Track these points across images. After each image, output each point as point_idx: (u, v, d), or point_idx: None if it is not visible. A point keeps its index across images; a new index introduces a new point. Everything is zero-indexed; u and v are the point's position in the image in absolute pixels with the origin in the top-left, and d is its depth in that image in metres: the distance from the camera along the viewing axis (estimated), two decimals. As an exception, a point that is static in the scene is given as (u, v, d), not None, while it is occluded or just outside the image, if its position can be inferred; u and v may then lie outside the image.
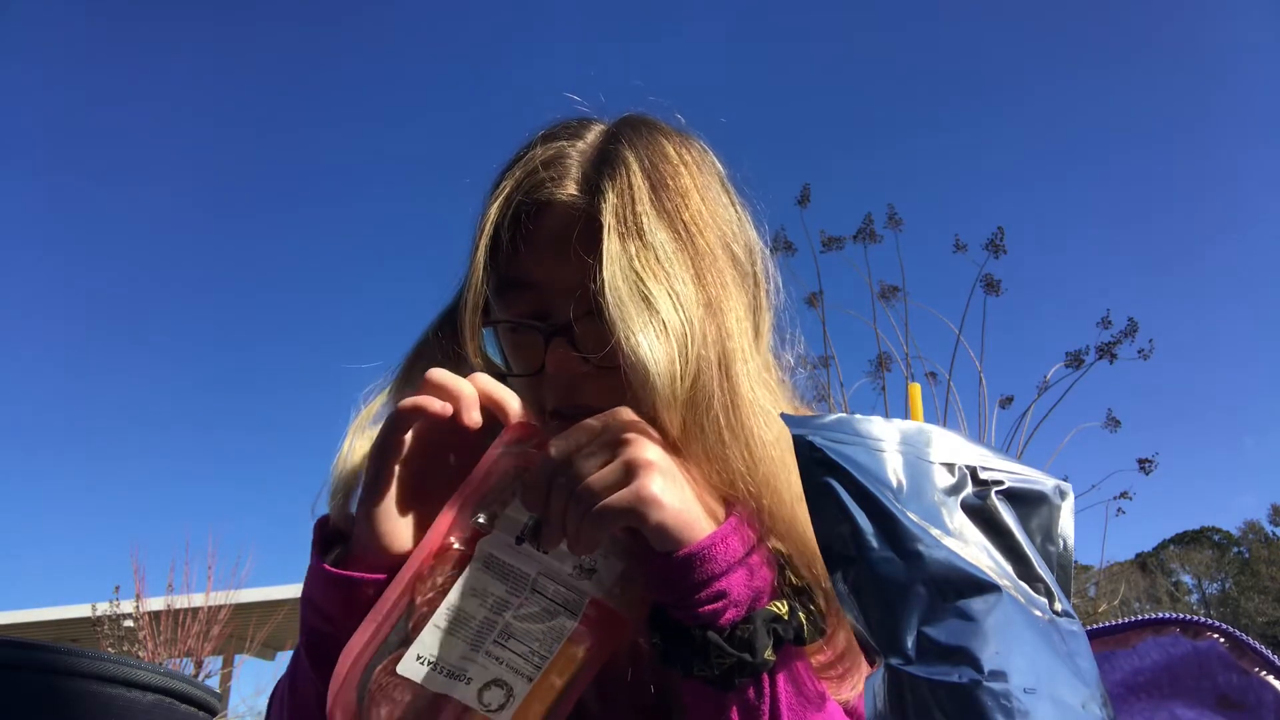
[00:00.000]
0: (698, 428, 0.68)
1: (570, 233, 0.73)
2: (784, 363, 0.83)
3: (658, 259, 0.70)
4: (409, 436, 0.68)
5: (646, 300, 0.68)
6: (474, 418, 0.65)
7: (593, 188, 0.74)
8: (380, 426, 0.69)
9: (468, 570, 0.64)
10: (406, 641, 0.63)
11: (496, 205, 0.76)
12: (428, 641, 0.63)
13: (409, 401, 0.66)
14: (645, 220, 0.71)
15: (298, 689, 0.73)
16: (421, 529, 0.68)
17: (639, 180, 0.74)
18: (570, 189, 0.75)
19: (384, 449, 0.67)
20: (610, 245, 0.70)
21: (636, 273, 0.69)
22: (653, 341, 0.66)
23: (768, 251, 0.83)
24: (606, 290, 0.68)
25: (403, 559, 0.67)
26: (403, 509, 0.68)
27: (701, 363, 0.68)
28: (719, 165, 0.83)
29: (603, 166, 0.75)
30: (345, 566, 0.67)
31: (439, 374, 0.67)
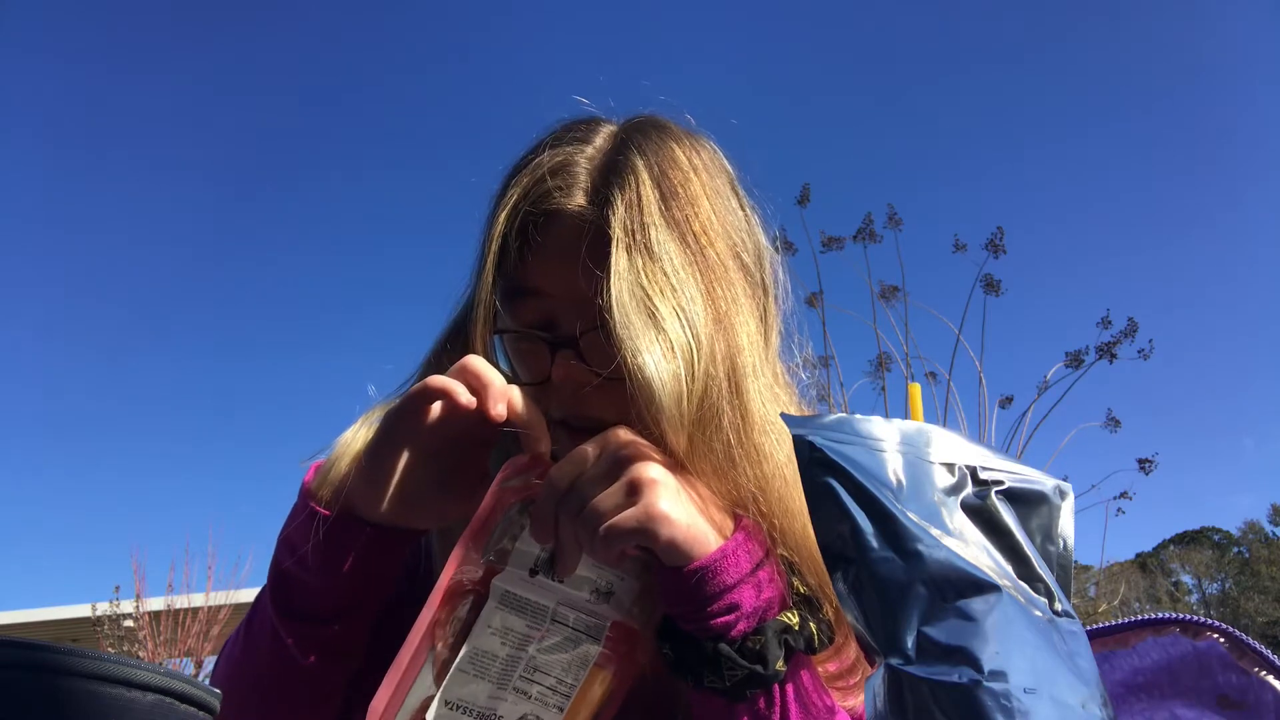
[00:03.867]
0: (707, 446, 0.67)
1: (578, 244, 0.72)
2: (791, 368, 0.83)
3: (665, 274, 0.69)
4: (429, 412, 0.67)
5: (653, 317, 0.67)
6: (499, 410, 0.65)
7: (601, 198, 0.73)
8: (402, 395, 0.68)
9: (485, 609, 0.64)
10: (433, 689, 0.63)
11: (504, 214, 0.75)
12: (454, 686, 0.63)
13: (438, 381, 0.66)
14: (654, 232, 0.70)
15: (253, 627, 0.73)
16: (412, 504, 0.69)
17: (648, 190, 0.72)
18: (578, 199, 0.74)
19: (400, 414, 0.68)
20: (618, 260, 0.68)
21: (644, 289, 0.68)
22: (659, 360, 0.65)
23: (776, 255, 0.82)
24: (614, 307, 0.67)
25: (387, 526, 0.68)
26: (401, 479, 0.68)
27: (710, 381, 0.68)
28: (729, 168, 0.82)
29: (611, 175, 0.74)
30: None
31: (475, 361, 0.67)
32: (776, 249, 0.83)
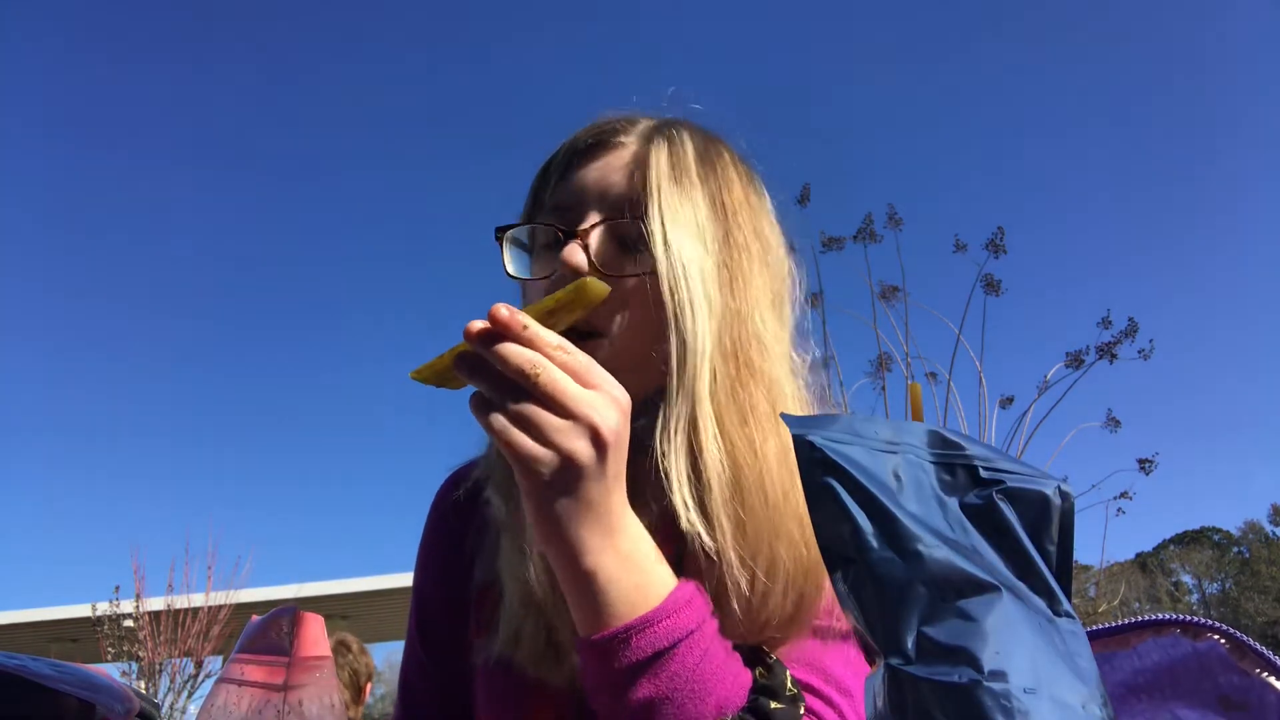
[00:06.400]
0: (726, 347, 0.72)
1: (615, 162, 0.78)
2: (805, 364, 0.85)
3: (694, 216, 0.75)
4: None
5: (687, 229, 0.73)
6: None
7: (647, 139, 0.80)
8: None
9: None
10: None
11: (562, 146, 0.83)
12: None
13: None
14: (689, 187, 0.76)
15: None
16: None
17: (691, 156, 0.79)
18: (629, 137, 0.80)
19: None
20: (658, 163, 0.75)
21: (674, 208, 0.74)
22: (693, 245, 0.73)
23: (800, 277, 0.85)
24: (652, 191, 0.74)
25: None
26: None
27: (729, 310, 0.73)
28: (768, 196, 0.86)
29: (662, 128, 0.81)
30: None
31: None
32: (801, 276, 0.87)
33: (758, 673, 0.65)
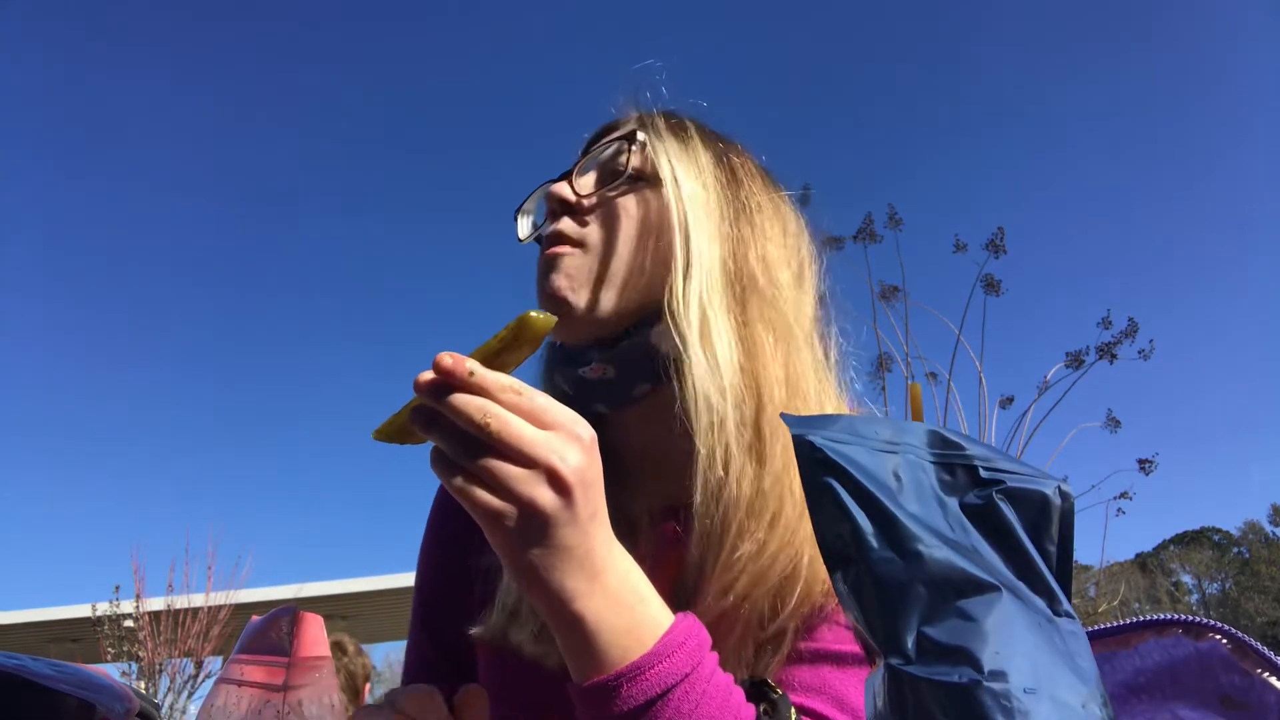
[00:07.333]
0: (729, 268, 0.75)
1: (618, 130, 0.83)
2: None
3: (694, 158, 0.79)
4: None
5: (685, 163, 0.78)
6: None
7: (653, 114, 0.84)
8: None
9: None
10: None
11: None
12: None
13: None
14: (686, 134, 0.81)
15: None
16: None
17: (692, 125, 0.83)
18: (633, 120, 0.85)
19: None
20: (654, 127, 0.81)
21: (671, 146, 0.79)
22: (691, 179, 0.77)
23: (823, 265, 0.87)
24: (644, 136, 0.79)
25: None
26: None
27: (729, 224, 0.77)
28: (789, 197, 0.88)
29: (671, 115, 0.85)
30: None
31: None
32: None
33: (761, 709, 0.64)
